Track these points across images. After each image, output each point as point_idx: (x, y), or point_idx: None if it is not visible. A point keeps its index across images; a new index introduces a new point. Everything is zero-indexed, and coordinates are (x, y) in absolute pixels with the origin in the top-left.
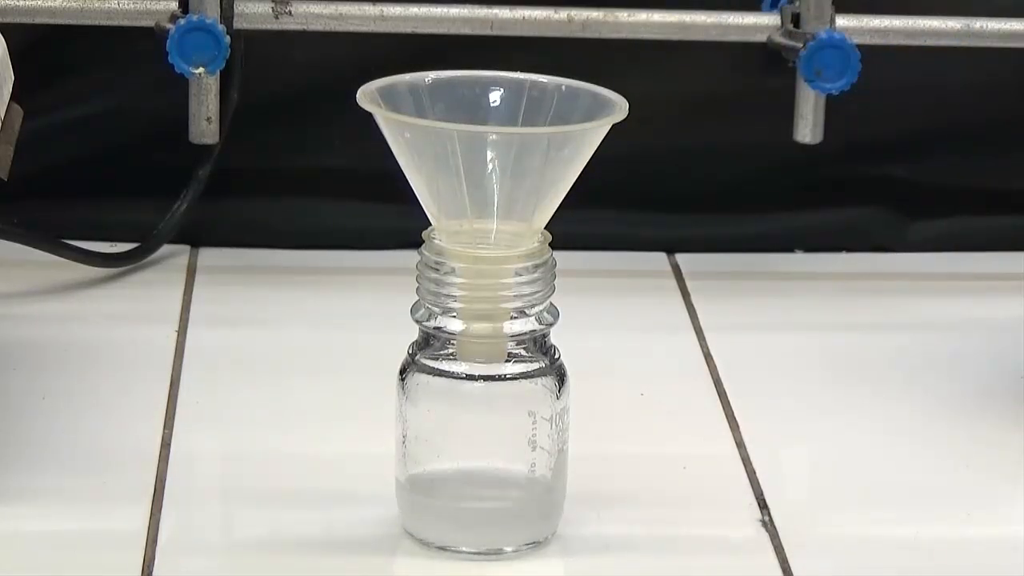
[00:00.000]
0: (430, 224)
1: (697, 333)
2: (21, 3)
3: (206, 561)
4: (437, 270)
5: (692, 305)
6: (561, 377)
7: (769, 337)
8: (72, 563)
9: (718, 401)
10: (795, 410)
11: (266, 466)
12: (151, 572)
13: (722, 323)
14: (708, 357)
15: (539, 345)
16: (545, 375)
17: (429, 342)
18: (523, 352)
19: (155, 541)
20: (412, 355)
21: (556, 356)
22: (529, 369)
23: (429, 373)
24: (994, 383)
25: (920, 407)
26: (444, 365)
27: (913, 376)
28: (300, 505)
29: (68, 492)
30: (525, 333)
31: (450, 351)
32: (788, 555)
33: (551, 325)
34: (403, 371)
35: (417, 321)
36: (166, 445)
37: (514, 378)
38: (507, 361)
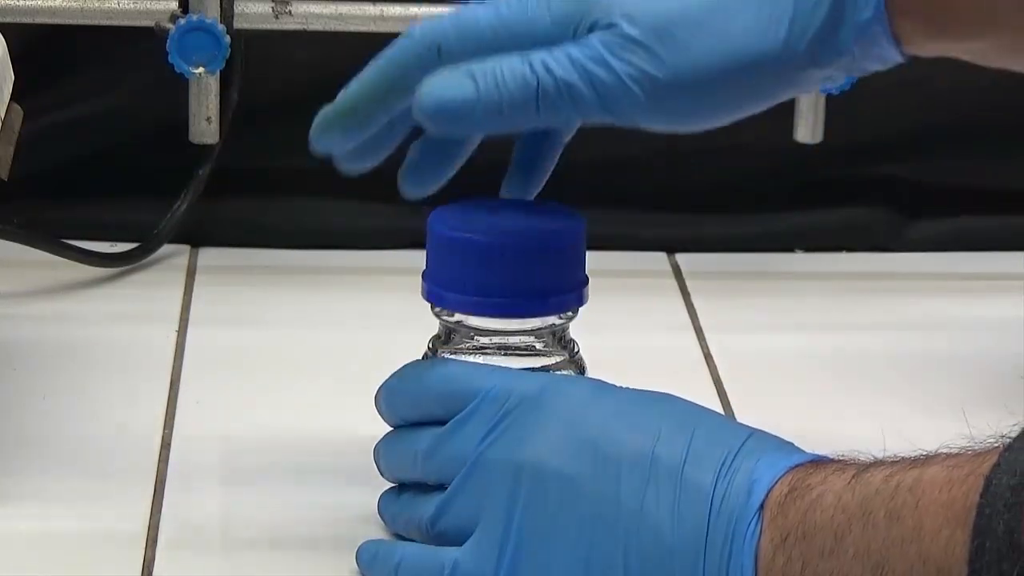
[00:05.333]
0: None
1: (697, 333)
2: (21, 3)
3: (206, 561)
4: None
5: (692, 305)
6: (581, 371)
7: (769, 337)
8: (72, 563)
9: (718, 401)
10: (795, 410)
11: (266, 466)
12: (151, 572)
13: (722, 323)
14: (708, 357)
15: (558, 339)
16: (565, 369)
17: (451, 336)
18: (539, 346)
19: (155, 541)
20: (433, 349)
21: (576, 350)
22: (549, 363)
23: None
24: (994, 383)
25: (920, 407)
26: (466, 359)
27: (913, 376)
28: (300, 505)
29: (68, 492)
30: (544, 328)
31: (471, 345)
32: None
33: (571, 319)
34: None
35: (437, 315)
36: (166, 445)
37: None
38: (525, 355)
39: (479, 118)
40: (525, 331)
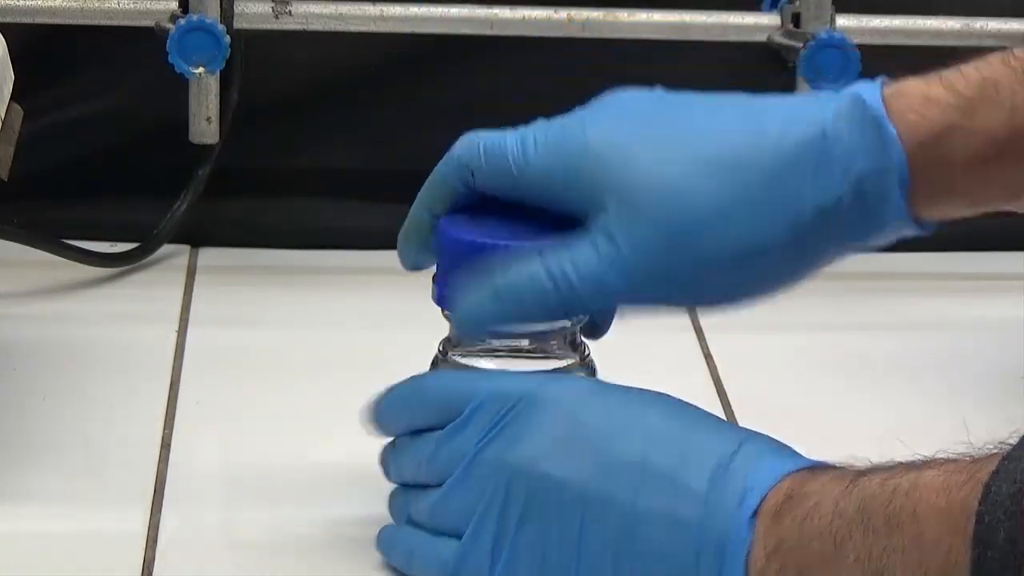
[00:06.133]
0: None
1: (697, 333)
2: (21, 3)
3: (206, 561)
4: None
5: None
6: (592, 373)
7: (769, 337)
8: (72, 563)
9: (718, 401)
10: (794, 410)
11: (266, 466)
12: (151, 572)
13: (722, 323)
14: (708, 357)
15: (568, 341)
16: (576, 371)
17: (461, 339)
18: (550, 349)
19: (155, 541)
20: (443, 352)
21: (587, 353)
22: (560, 365)
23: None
24: (994, 383)
25: (920, 407)
26: (476, 362)
27: (913, 376)
28: (300, 505)
29: (68, 492)
30: (555, 331)
31: (482, 347)
32: None
33: (581, 322)
34: (433, 367)
35: (448, 319)
36: (166, 445)
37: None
38: (537, 358)
39: (510, 323)
40: (536, 334)
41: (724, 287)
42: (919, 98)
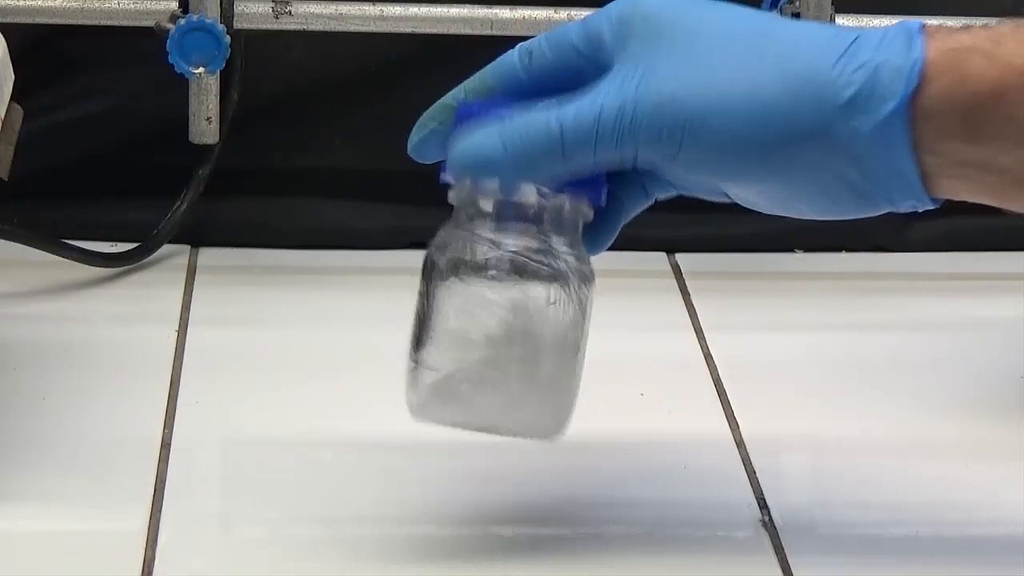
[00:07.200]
0: (430, 224)
1: (697, 333)
2: (21, 3)
3: (206, 561)
4: None
5: (692, 305)
6: (589, 279)
7: (769, 337)
8: (72, 563)
9: (718, 401)
10: (795, 410)
11: (266, 466)
12: (151, 572)
13: (722, 323)
14: (708, 357)
15: (567, 244)
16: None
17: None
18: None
19: (155, 541)
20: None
21: (588, 261)
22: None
23: None
24: (994, 383)
25: (920, 407)
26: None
27: (913, 376)
28: (300, 505)
29: (68, 492)
30: (555, 207)
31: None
32: (788, 555)
33: (581, 211)
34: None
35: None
36: (166, 445)
37: None
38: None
39: (509, 171)
40: (538, 214)
41: (730, 148)
42: (955, 28)
